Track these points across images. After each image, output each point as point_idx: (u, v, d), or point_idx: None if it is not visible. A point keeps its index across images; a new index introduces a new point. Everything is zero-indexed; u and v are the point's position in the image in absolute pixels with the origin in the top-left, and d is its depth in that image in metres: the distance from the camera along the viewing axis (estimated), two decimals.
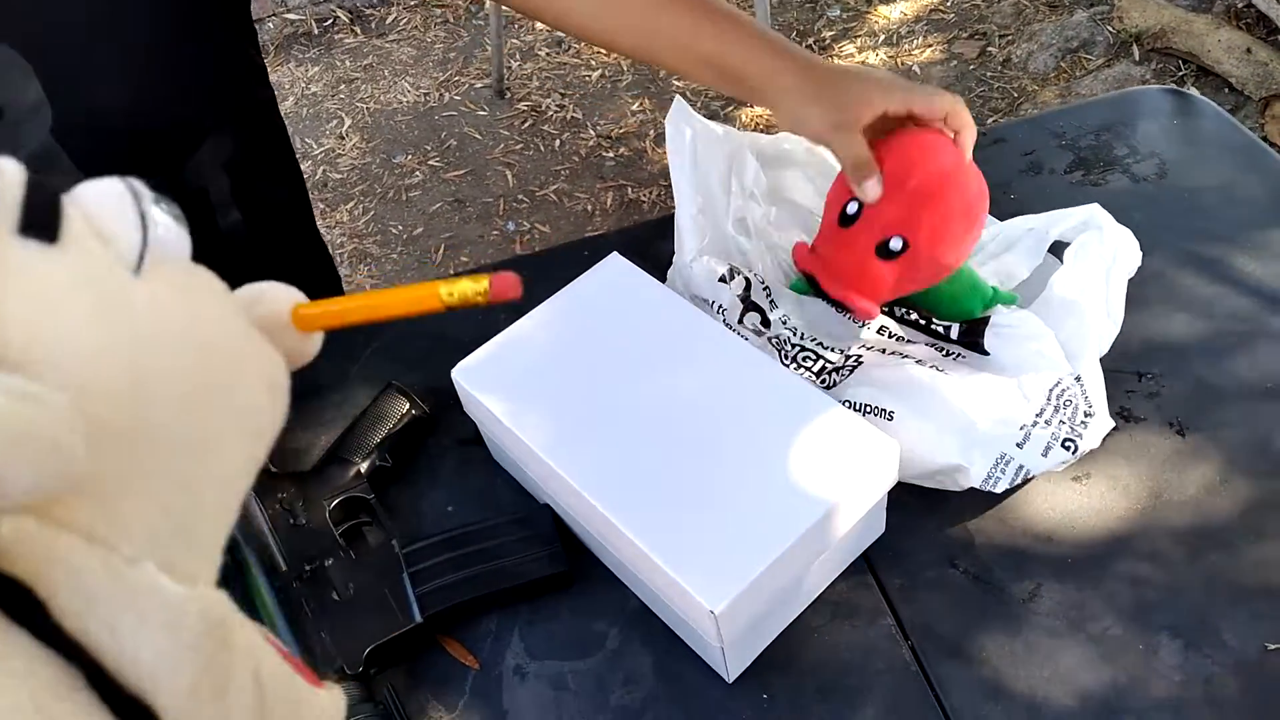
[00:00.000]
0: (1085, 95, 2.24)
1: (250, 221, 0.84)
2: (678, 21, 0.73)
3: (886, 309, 0.79)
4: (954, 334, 0.76)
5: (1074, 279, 0.75)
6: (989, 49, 2.42)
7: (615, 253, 0.77)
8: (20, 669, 0.21)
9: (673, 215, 0.83)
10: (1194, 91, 1.02)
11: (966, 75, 2.34)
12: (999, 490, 0.68)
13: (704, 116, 0.81)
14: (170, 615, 0.24)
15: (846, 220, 0.74)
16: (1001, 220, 0.84)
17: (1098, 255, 0.76)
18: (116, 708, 0.22)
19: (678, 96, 0.83)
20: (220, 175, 0.81)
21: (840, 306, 0.77)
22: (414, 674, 0.66)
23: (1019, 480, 0.67)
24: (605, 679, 0.66)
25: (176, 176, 0.77)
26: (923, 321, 0.78)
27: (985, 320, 0.75)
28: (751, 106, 2.30)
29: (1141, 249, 0.87)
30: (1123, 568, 0.69)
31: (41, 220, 0.23)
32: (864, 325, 0.77)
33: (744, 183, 0.82)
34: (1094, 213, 0.80)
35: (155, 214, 0.27)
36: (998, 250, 0.83)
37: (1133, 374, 0.79)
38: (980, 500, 0.72)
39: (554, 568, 0.68)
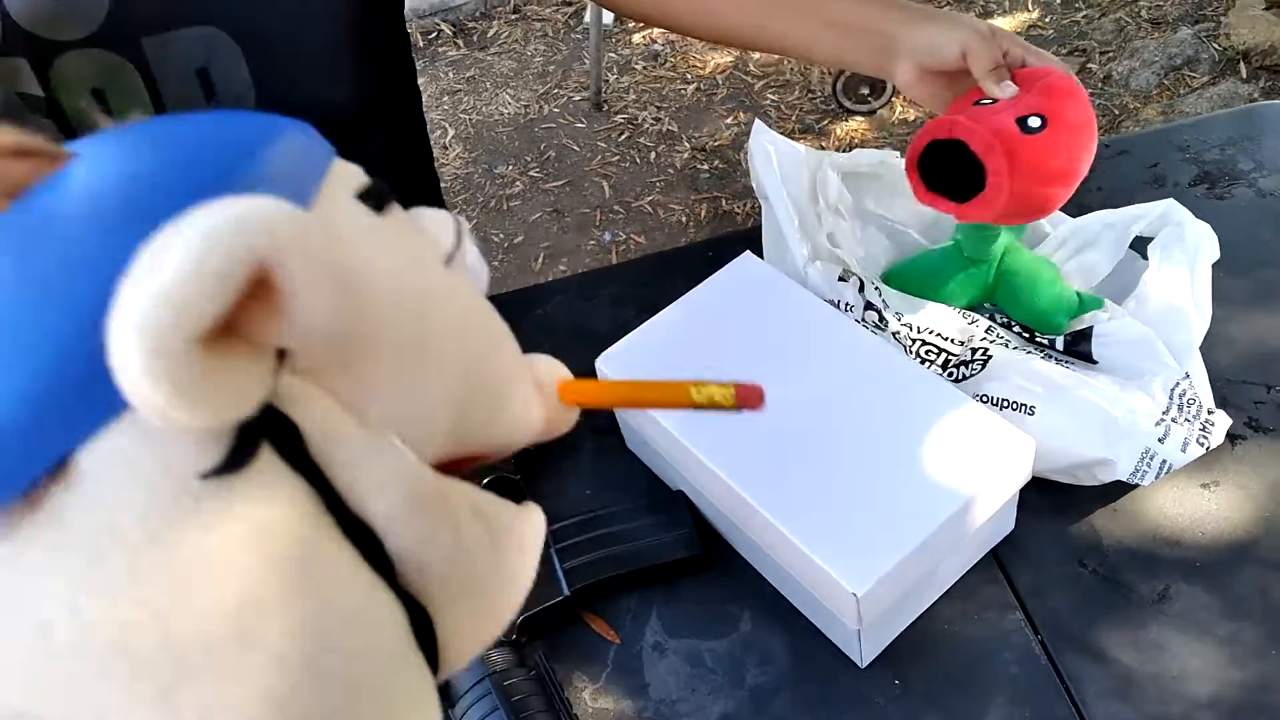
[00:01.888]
0: (1189, 113, 2.21)
1: None
2: None
3: (989, 315, 0.81)
4: (1059, 345, 0.78)
5: (1164, 277, 0.77)
6: (1089, 65, 2.40)
7: (748, 252, 0.81)
8: (285, 496, 0.25)
9: None
10: None
11: None
12: (1145, 483, 0.69)
13: (797, 131, 0.85)
14: (407, 477, 0.28)
15: (981, 104, 0.73)
16: (1076, 216, 0.85)
17: (1181, 251, 0.78)
18: (349, 531, 0.26)
19: (757, 119, 0.86)
20: (381, 166, 0.86)
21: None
22: (559, 646, 0.70)
23: (1161, 475, 0.69)
24: (740, 658, 0.68)
25: None
26: (1026, 335, 0.80)
27: (1088, 331, 0.76)
28: (845, 119, 2.32)
29: (1269, 264, 0.87)
30: (1252, 573, 0.69)
31: (374, 195, 0.29)
32: (973, 322, 0.78)
33: (828, 199, 0.84)
34: (1171, 208, 0.81)
35: (470, 240, 0.33)
36: (1079, 247, 0.84)
37: (1261, 385, 0.80)
38: (1107, 501, 0.73)
39: (690, 551, 0.72)
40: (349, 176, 0.29)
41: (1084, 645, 0.67)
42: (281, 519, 0.25)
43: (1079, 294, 0.80)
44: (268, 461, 0.25)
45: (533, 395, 0.35)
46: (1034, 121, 0.70)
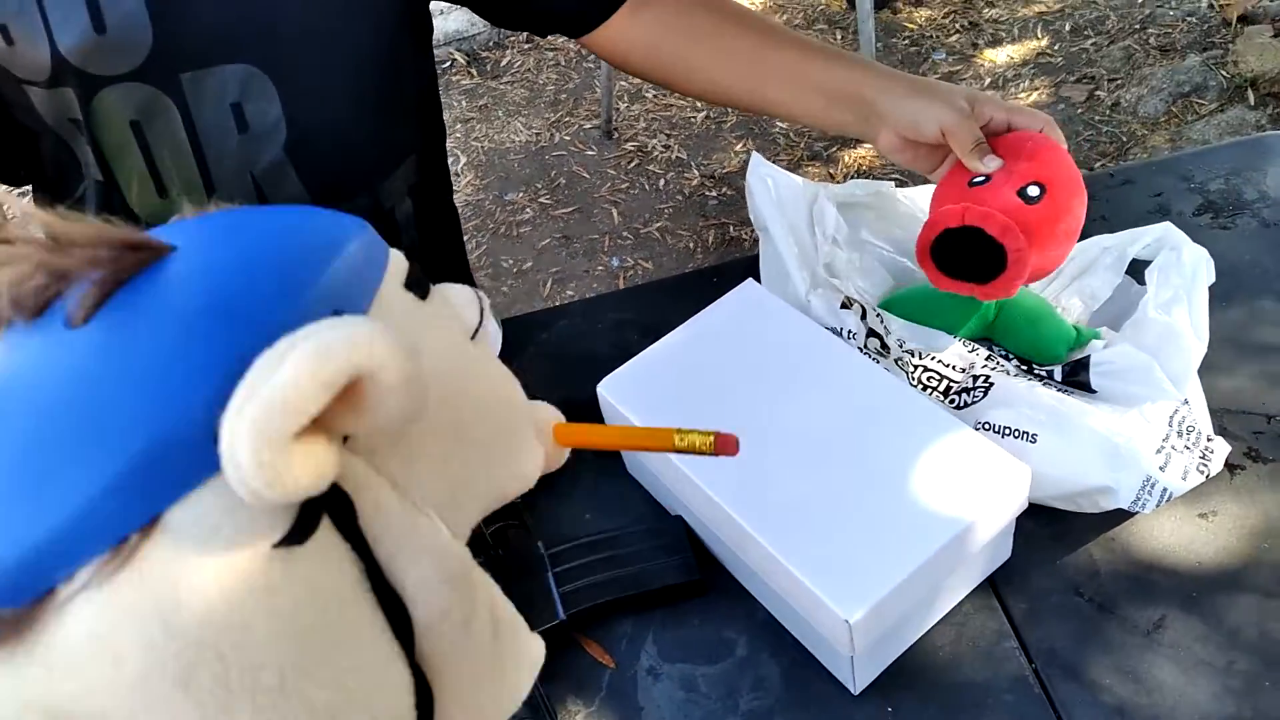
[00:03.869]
0: (1197, 140, 2.21)
1: (422, 243, 0.91)
2: (784, 55, 0.80)
3: (987, 347, 0.81)
4: (1057, 376, 0.78)
5: (1162, 302, 0.77)
6: (1097, 93, 2.41)
7: (751, 279, 0.81)
8: (337, 565, 0.29)
9: None
10: None
11: (1074, 119, 2.34)
12: (1146, 511, 0.69)
13: (805, 158, 0.86)
14: (440, 552, 0.31)
15: (976, 184, 0.74)
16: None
17: (1178, 275, 0.78)
18: (382, 600, 0.30)
19: (754, 153, 0.88)
20: (405, 198, 0.88)
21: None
22: (554, 671, 0.70)
23: (1161, 503, 0.69)
24: (735, 684, 0.69)
25: (374, 197, 0.84)
26: (1024, 367, 0.80)
27: (1085, 361, 0.77)
28: (854, 146, 2.33)
29: (1271, 294, 0.87)
30: (1249, 604, 0.69)
31: (417, 284, 0.34)
32: (974, 350, 0.79)
33: (825, 230, 0.85)
34: (1168, 231, 0.82)
35: (489, 314, 0.38)
36: (1077, 272, 0.85)
37: (1261, 416, 0.80)
38: (1104, 530, 0.73)
39: (687, 576, 0.72)
40: (397, 266, 0.34)
41: (1077, 675, 0.67)
42: (334, 585, 0.28)
43: (1077, 328, 0.81)
44: (326, 532, 0.28)
45: (536, 444, 0.39)
46: (1033, 190, 0.72)
